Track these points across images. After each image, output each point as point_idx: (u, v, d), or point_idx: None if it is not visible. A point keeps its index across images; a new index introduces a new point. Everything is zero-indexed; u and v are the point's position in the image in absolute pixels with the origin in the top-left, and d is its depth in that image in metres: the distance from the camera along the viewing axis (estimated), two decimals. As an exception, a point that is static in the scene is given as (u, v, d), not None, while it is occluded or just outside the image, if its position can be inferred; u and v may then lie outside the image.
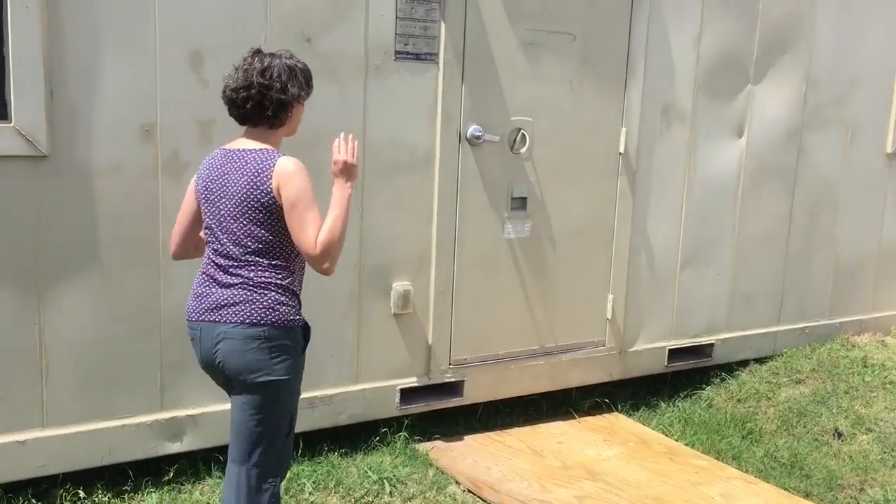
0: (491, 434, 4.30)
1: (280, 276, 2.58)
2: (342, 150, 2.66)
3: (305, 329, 2.72)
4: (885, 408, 4.67)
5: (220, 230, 2.57)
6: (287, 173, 2.52)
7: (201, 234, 2.72)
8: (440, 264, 4.00)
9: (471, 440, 4.22)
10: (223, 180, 2.58)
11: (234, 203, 2.54)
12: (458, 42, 3.87)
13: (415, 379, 4.05)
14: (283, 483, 3.26)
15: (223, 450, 3.61)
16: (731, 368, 5.14)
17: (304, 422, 3.78)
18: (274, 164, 2.53)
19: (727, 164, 4.89)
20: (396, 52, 3.74)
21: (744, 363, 5.21)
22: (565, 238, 4.39)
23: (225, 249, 2.57)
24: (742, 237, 5.03)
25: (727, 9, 4.69)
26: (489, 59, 3.95)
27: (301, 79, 2.65)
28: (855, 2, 5.16)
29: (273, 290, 2.57)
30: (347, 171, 2.66)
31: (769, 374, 5.11)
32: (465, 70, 3.90)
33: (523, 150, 4.13)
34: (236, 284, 2.55)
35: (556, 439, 4.32)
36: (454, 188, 3.97)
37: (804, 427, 4.53)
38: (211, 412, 3.54)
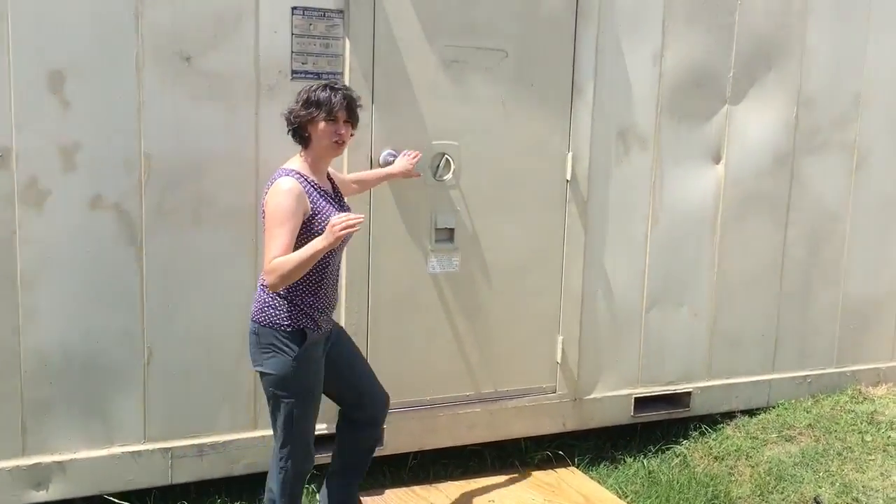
0: (417, 488, 3.91)
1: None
2: (341, 219, 2.84)
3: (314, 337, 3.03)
4: (880, 474, 4.04)
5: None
6: (273, 191, 2.90)
7: None
8: (351, 301, 3.67)
9: (392, 494, 3.84)
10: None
11: (261, 216, 3.02)
12: (366, 60, 3.57)
13: (325, 425, 3.71)
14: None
15: (98, 499, 3.36)
16: (714, 421, 4.59)
17: (193, 470, 3.50)
18: (270, 185, 2.92)
19: (701, 192, 4.40)
20: (294, 72, 3.47)
21: (730, 415, 4.65)
22: (503, 273, 3.99)
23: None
24: (723, 273, 4.51)
25: (694, 21, 4.23)
26: (404, 79, 3.63)
27: (302, 97, 2.99)
28: (854, 11, 4.61)
29: (267, 294, 2.97)
30: (331, 232, 2.83)
31: (757, 428, 4.54)
32: (374, 90, 3.59)
33: (448, 176, 3.77)
34: (258, 283, 3.05)
35: (489, 497, 3.89)
36: (366, 218, 3.64)
37: (780, 493, 3.95)
38: (81, 458, 3.29)
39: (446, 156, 3.75)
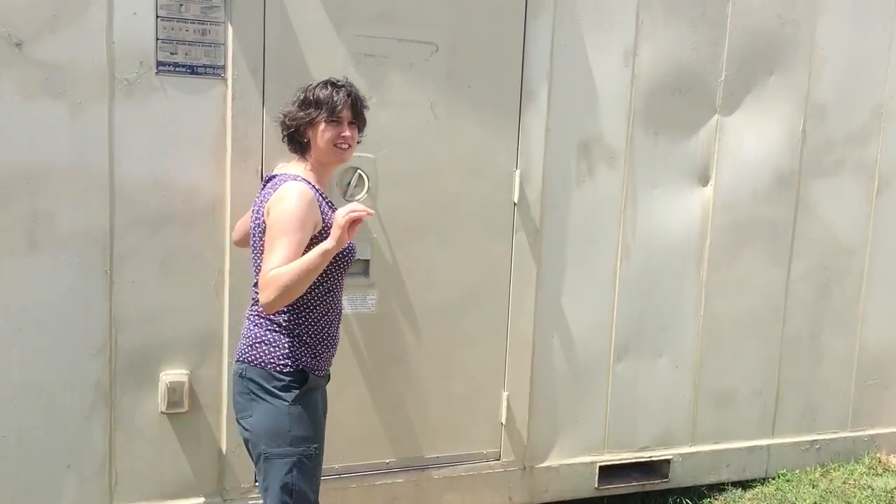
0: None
1: (281, 317, 2.45)
2: (346, 210, 2.38)
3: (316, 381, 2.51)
4: (898, 575, 3.25)
5: (251, 256, 2.56)
6: (281, 196, 2.40)
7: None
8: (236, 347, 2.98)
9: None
10: (254, 206, 2.56)
11: (254, 230, 2.52)
12: (255, 51, 2.89)
13: (202, 500, 3.02)
14: None
15: None
16: (699, 494, 3.82)
17: (25, 556, 2.81)
18: (277, 187, 2.44)
19: (684, 219, 3.65)
20: (159, 64, 2.80)
21: (719, 487, 3.87)
22: (433, 314, 3.27)
23: (255, 271, 2.52)
24: (711, 317, 3.75)
25: (676, 13, 3.51)
26: (304, 76, 2.91)
27: (298, 96, 2.53)
28: (873, 6, 3.85)
29: (261, 327, 2.46)
30: (336, 225, 2.36)
31: (751, 505, 3.76)
32: (266, 89, 2.91)
33: (361, 196, 3.07)
34: (247, 317, 2.54)
35: (407, 591, 3.16)
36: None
37: None
38: None
39: (359, 171, 3.06)
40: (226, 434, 3.01)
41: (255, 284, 2.46)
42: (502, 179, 3.31)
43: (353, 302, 3.13)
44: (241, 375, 2.47)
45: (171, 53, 2.81)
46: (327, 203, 2.50)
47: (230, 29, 2.86)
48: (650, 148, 3.54)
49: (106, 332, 2.84)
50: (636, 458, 3.71)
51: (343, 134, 2.50)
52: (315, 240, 2.38)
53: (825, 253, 3.94)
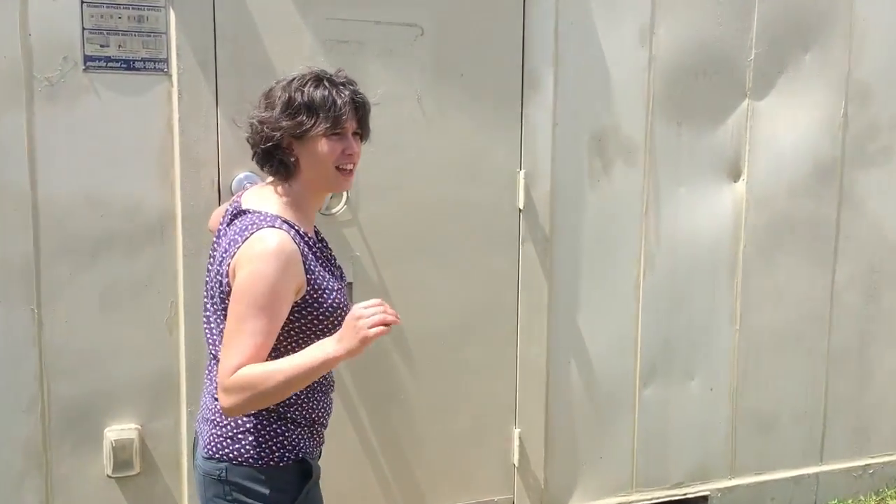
0: None
1: None
2: (370, 311, 1.70)
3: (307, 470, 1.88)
4: None
5: (205, 317, 1.91)
6: (251, 255, 1.73)
7: None
8: (197, 391, 2.50)
9: None
10: (216, 249, 1.89)
11: (210, 286, 1.87)
12: (204, 40, 2.42)
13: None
14: None
15: None
16: (742, 532, 3.34)
17: None
18: (246, 237, 1.75)
19: (714, 220, 3.18)
20: (88, 59, 2.33)
21: (764, 523, 3.40)
22: (429, 343, 2.80)
23: (210, 339, 1.89)
24: (748, 330, 3.27)
25: (698, -17, 3.05)
26: (264, 69, 2.45)
27: (280, 97, 1.84)
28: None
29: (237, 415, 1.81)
30: (354, 332, 1.69)
31: (802, 543, 3.28)
32: (220, 85, 2.44)
33: (338, 208, 2.60)
34: (207, 393, 1.89)
35: None
36: (214, 272, 2.47)
37: None
38: None
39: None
40: (187, 499, 2.53)
41: (214, 357, 1.85)
42: (504, 182, 2.84)
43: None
44: (219, 479, 1.82)
45: (102, 46, 2.34)
46: (312, 250, 1.85)
47: (172, 14, 2.39)
48: (673, 140, 3.07)
49: (35, 382, 2.37)
50: (669, 496, 3.23)
51: (349, 151, 1.86)
52: (298, 306, 1.78)
53: (873, 253, 3.46)
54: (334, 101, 1.81)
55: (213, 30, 2.42)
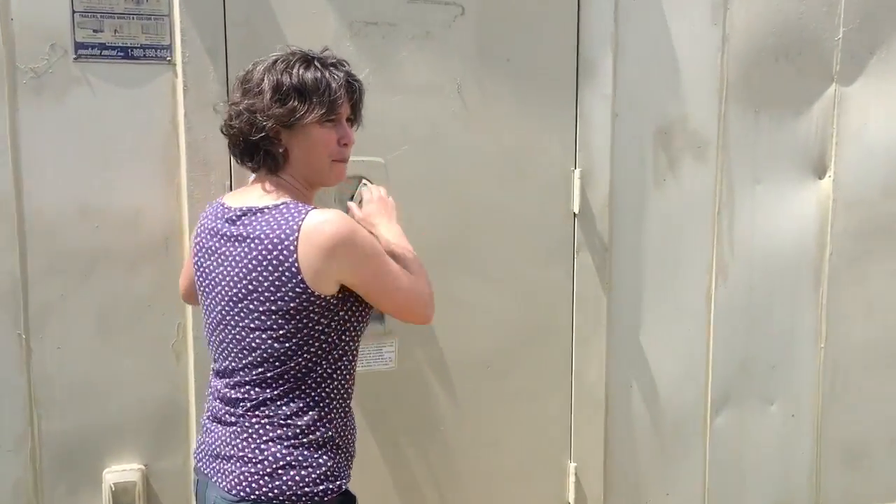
0: None
1: (304, 419, 1.65)
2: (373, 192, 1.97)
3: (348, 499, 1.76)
4: None
5: (220, 333, 1.71)
6: (340, 241, 1.60)
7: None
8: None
9: None
10: (222, 258, 1.68)
11: (235, 295, 1.65)
12: (213, 24, 2.10)
13: None
14: None
15: None
16: (828, 576, 2.95)
17: None
18: (298, 229, 1.59)
19: (797, 223, 2.78)
20: (79, 46, 2.03)
21: (853, 566, 3.00)
22: (471, 367, 2.45)
23: (226, 365, 1.70)
24: (835, 348, 2.87)
25: (778, -48, 2.66)
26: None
27: (268, 81, 1.67)
28: None
29: (282, 441, 1.64)
30: (385, 207, 1.96)
31: (898, 591, 2.87)
32: (231, 76, 2.12)
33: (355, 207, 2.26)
34: (235, 423, 1.67)
35: None
36: (226, 290, 2.16)
37: None
38: None
39: (364, 181, 2.24)
40: (199, 545, 2.23)
41: (257, 377, 1.66)
42: (557, 183, 2.48)
43: (366, 357, 2.32)
44: None
45: (95, 31, 2.03)
46: None
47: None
48: (749, 132, 2.68)
49: (24, 417, 2.08)
50: (745, 536, 2.85)
51: (345, 140, 1.73)
52: (351, 296, 1.66)
53: (977, 258, 3.04)
54: (328, 85, 1.64)
55: (222, 11, 2.11)
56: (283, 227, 1.58)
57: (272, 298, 1.59)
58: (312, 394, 1.67)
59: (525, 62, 2.40)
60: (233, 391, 1.68)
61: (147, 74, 2.09)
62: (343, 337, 1.69)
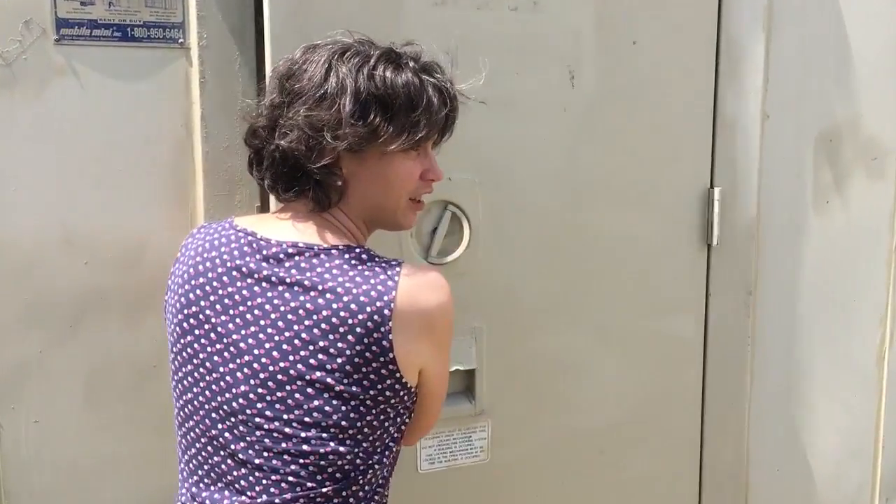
0: None
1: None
2: None
3: None
4: None
5: (233, 425, 1.17)
6: (442, 314, 1.18)
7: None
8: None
9: None
10: (259, 313, 1.17)
11: (281, 371, 1.14)
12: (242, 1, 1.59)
13: None
14: None
15: None
16: None
17: None
18: (395, 286, 1.14)
19: None
20: (62, 24, 1.51)
21: None
22: (580, 454, 1.87)
23: (235, 476, 1.17)
24: None
25: None
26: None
27: (328, 82, 1.17)
28: None
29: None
30: None
31: None
32: (266, 63, 1.59)
33: (457, 254, 1.68)
34: None
35: None
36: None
37: None
38: None
39: (450, 207, 1.68)
40: None
41: (259, 491, 1.17)
42: (687, 205, 1.89)
43: (449, 447, 1.75)
44: None
45: (83, 4, 1.52)
46: None
47: (192, -44, 1.56)
48: (938, 139, 2.06)
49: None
50: None
51: (431, 175, 1.28)
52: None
53: None
54: (429, 100, 1.17)
55: (254, -18, 1.59)
56: (372, 280, 1.14)
57: (346, 381, 1.13)
58: (385, 477, 1.25)
59: (653, 45, 1.81)
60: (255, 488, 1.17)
61: (152, 62, 1.57)
62: (396, 439, 1.26)
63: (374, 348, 1.13)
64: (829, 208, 2.01)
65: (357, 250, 1.18)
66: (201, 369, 1.20)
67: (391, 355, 1.14)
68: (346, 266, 1.15)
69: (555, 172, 1.77)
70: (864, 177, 2.02)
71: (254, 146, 1.25)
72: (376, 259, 1.19)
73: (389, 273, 1.15)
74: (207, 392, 1.20)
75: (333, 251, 1.17)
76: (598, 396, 1.85)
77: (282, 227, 1.22)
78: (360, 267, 1.15)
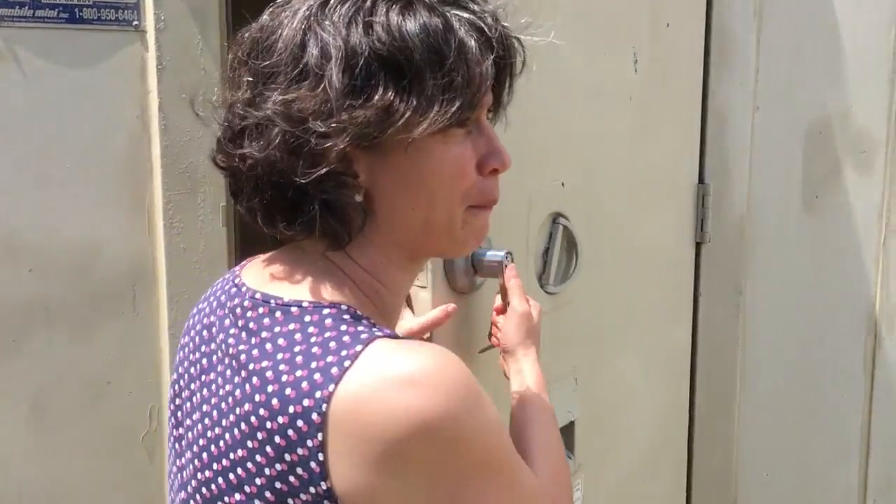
0: None
1: None
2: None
3: None
4: None
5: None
6: (393, 429, 0.69)
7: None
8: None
9: None
10: (213, 385, 0.81)
11: (211, 455, 0.78)
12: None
13: None
14: None
15: None
16: None
17: None
18: (332, 386, 0.70)
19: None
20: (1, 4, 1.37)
21: None
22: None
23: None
24: None
25: None
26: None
27: (335, 44, 0.73)
28: None
29: None
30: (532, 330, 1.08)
31: None
32: (228, 46, 1.47)
33: (572, 278, 1.41)
34: None
35: None
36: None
37: None
38: None
39: (561, 221, 1.40)
40: None
41: None
42: (675, 202, 1.80)
43: None
44: None
45: (24, -20, 1.37)
46: None
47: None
48: (930, 132, 2.01)
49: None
50: None
51: (493, 161, 0.83)
52: None
53: None
54: (461, 44, 0.75)
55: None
56: (313, 363, 0.74)
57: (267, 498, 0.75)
58: None
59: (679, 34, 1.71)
60: None
61: (104, 46, 1.42)
62: None
63: (299, 471, 0.73)
64: (818, 203, 1.94)
65: (328, 311, 0.78)
66: (177, 445, 0.89)
67: (325, 486, 0.72)
68: (297, 336, 0.76)
69: (615, 169, 1.60)
70: (853, 171, 1.95)
71: (225, 165, 0.81)
72: (350, 328, 0.76)
73: (345, 353, 0.73)
74: (175, 478, 0.88)
75: (294, 309, 0.78)
76: (583, 394, 1.75)
77: (264, 270, 0.86)
78: (314, 339, 0.75)
